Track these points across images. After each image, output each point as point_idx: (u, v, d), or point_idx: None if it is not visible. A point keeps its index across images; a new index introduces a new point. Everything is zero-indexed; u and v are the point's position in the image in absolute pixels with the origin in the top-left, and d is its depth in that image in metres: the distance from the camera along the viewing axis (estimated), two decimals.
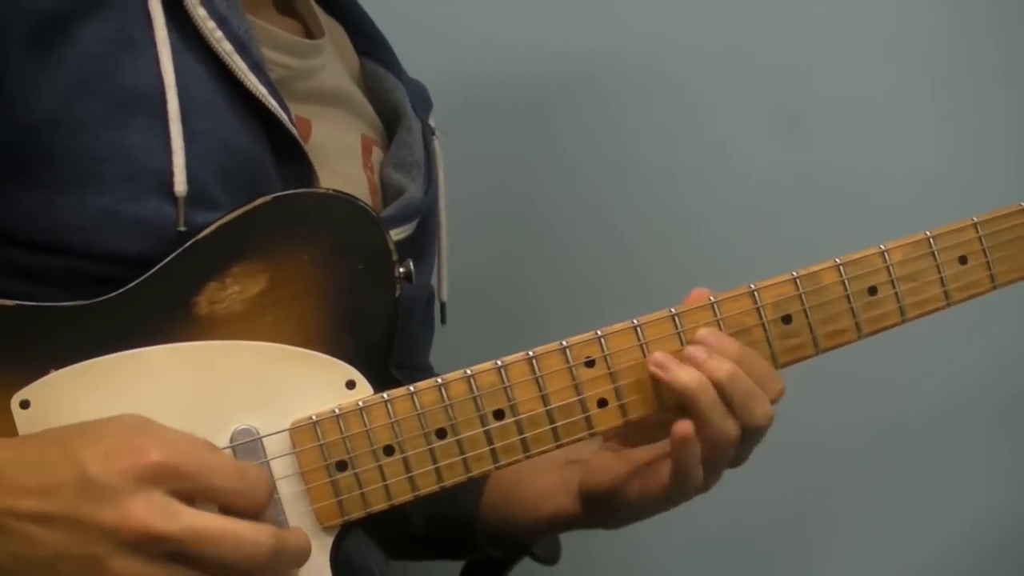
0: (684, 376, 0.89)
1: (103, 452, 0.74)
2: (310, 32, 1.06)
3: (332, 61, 1.06)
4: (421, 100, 1.15)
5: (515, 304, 1.47)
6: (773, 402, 0.92)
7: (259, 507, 0.79)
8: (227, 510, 0.78)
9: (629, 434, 0.97)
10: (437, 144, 1.13)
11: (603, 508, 0.98)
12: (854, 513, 1.48)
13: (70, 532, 0.73)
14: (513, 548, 1.10)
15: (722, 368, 0.89)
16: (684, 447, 0.89)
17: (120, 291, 0.84)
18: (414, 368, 1.09)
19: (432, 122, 1.15)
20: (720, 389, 0.89)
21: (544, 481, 1.03)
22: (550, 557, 1.08)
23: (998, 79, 1.45)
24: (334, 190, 0.91)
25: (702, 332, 0.91)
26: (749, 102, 1.45)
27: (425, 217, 1.07)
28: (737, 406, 0.89)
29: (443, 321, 1.13)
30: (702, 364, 0.89)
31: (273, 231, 0.87)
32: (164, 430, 0.77)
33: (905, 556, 1.48)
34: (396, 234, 0.99)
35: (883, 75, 1.44)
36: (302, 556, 0.81)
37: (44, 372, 0.82)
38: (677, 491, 0.93)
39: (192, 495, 0.76)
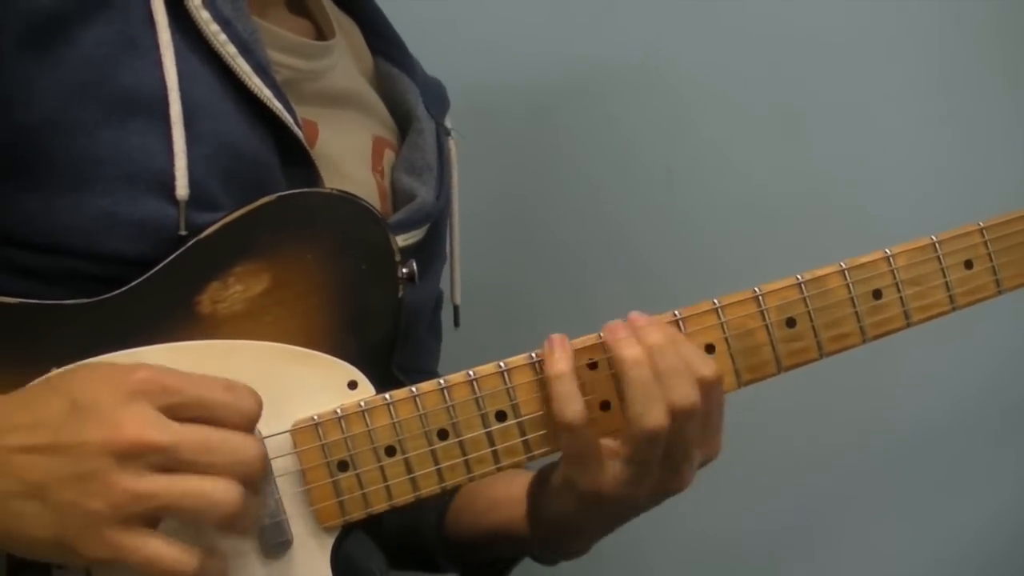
0: (627, 346, 0.86)
1: (91, 380, 0.75)
2: (321, 32, 1.05)
3: (343, 62, 1.05)
4: (437, 100, 1.14)
5: (516, 305, 1.47)
6: (701, 386, 0.86)
7: (249, 419, 0.79)
8: (218, 423, 0.77)
9: None
10: (452, 145, 1.12)
11: (543, 513, 0.96)
12: (857, 519, 1.48)
13: (61, 455, 0.73)
14: (469, 564, 1.09)
15: (653, 336, 0.86)
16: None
17: (122, 290, 0.84)
18: (421, 373, 1.08)
19: (448, 123, 1.14)
20: (652, 360, 0.86)
21: (503, 490, 1.02)
22: (550, 557, 1.07)
23: (1000, 79, 1.44)
24: (338, 190, 0.91)
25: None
26: (749, 102, 1.44)
27: (436, 222, 1.06)
28: (661, 380, 0.85)
29: (456, 324, 1.12)
30: (636, 330, 0.87)
31: (276, 230, 0.87)
32: (152, 361, 0.78)
33: (908, 563, 1.47)
34: (405, 239, 0.98)
35: (884, 75, 1.44)
36: None
37: (45, 370, 0.81)
38: (586, 480, 0.88)
39: (180, 410, 0.76)
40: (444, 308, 1.17)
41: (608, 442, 0.88)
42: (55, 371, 0.81)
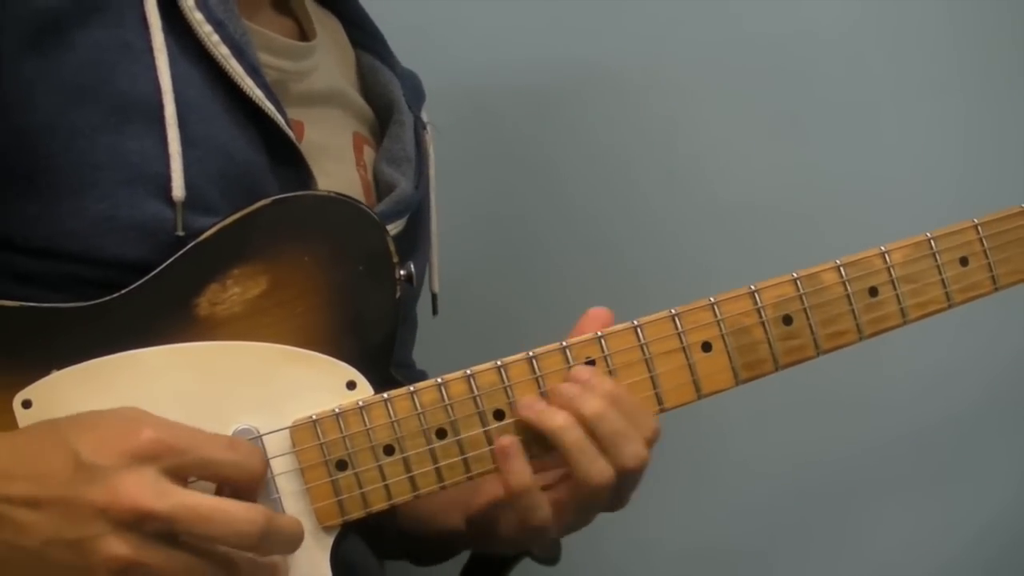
0: (551, 417, 0.87)
1: (96, 438, 0.75)
2: (304, 31, 1.06)
3: (325, 61, 1.06)
4: (414, 93, 1.16)
5: (518, 305, 1.47)
6: (649, 444, 0.89)
7: (253, 479, 0.80)
8: (222, 485, 0.79)
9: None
10: (428, 138, 1.13)
11: (483, 531, 0.97)
12: (854, 518, 1.47)
13: (60, 515, 0.73)
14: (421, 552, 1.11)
15: (590, 405, 0.87)
16: (505, 461, 0.87)
17: (122, 292, 0.85)
18: (397, 365, 1.09)
19: (424, 116, 1.15)
20: (589, 428, 0.87)
21: (444, 496, 1.01)
22: (550, 557, 1.07)
23: (999, 79, 1.44)
24: (335, 192, 0.91)
25: (577, 369, 0.89)
26: (749, 102, 1.45)
27: (416, 212, 1.07)
28: (607, 446, 0.87)
29: (435, 312, 1.12)
30: (570, 401, 0.87)
31: (274, 233, 0.88)
32: (158, 416, 0.78)
33: (907, 562, 1.47)
34: (391, 230, 0.99)
35: (881, 75, 1.44)
36: (293, 539, 0.81)
37: (46, 372, 0.82)
38: (529, 525, 0.90)
39: (185, 471, 0.77)
40: (421, 298, 1.16)
41: (557, 494, 0.90)
42: (55, 373, 0.82)
